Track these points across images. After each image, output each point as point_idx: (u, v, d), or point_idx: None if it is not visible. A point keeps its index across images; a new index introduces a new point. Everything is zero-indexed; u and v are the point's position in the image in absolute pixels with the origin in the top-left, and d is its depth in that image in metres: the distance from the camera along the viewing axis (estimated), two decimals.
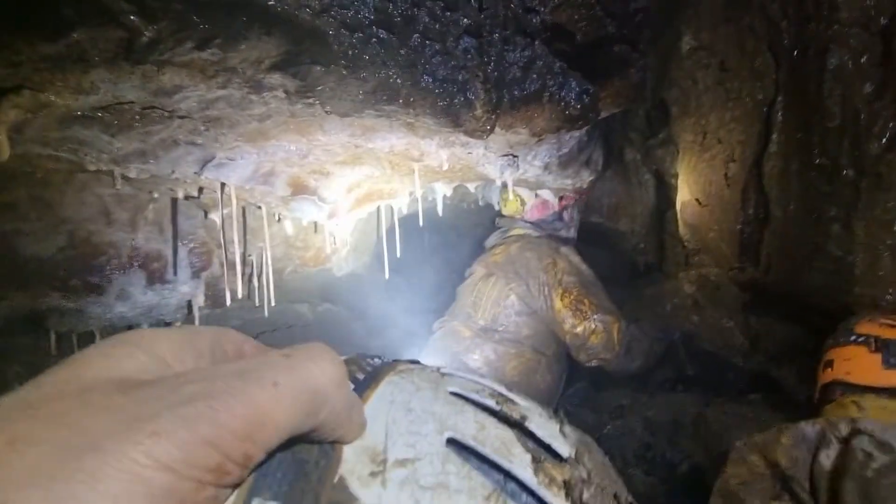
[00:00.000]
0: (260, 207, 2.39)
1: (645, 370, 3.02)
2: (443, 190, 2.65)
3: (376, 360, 0.47)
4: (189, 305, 2.75)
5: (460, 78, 1.26)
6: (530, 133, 1.51)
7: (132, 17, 1.09)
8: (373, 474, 0.32)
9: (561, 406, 3.14)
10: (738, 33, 2.83)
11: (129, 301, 2.50)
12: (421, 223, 2.69)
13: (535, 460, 0.39)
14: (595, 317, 2.74)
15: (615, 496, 0.43)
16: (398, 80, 1.25)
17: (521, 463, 0.38)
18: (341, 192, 2.37)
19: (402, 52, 1.24)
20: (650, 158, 4.13)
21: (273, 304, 2.67)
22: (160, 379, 0.27)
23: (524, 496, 0.36)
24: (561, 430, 0.45)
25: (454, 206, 3.97)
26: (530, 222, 3.12)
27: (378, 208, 2.75)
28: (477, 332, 2.83)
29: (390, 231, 3.42)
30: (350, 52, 1.22)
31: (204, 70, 1.20)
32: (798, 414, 2.61)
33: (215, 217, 2.43)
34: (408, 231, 3.53)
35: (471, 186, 2.77)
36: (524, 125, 1.46)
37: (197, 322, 2.82)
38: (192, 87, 1.25)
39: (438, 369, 0.47)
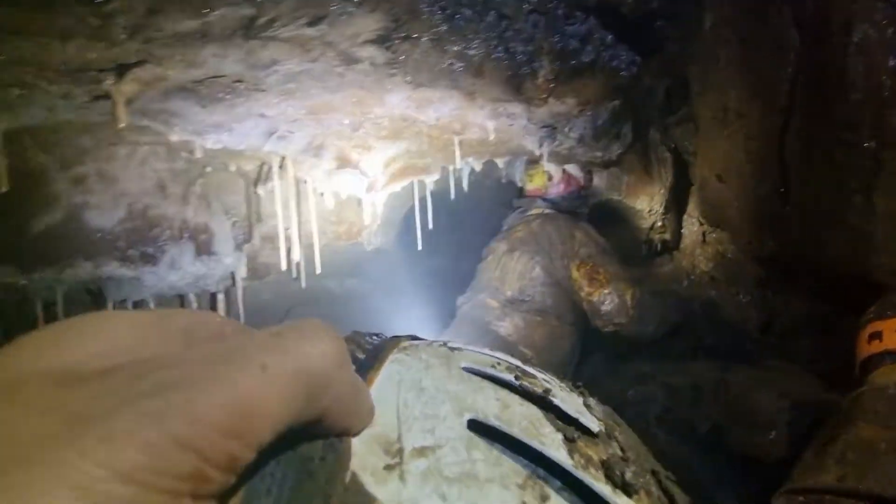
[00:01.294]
0: (305, 182, 2.52)
1: (660, 336, 3.17)
2: (474, 165, 2.77)
3: (375, 337, 0.42)
4: (232, 277, 2.91)
5: (529, 49, 1.38)
6: (577, 102, 1.62)
7: None
8: (388, 467, 0.28)
9: (582, 374, 3.28)
10: (761, 7, 2.88)
11: (180, 271, 2.65)
12: (452, 196, 2.82)
13: (568, 439, 0.36)
14: (609, 284, 2.90)
15: (653, 472, 0.40)
16: (474, 52, 1.36)
17: (553, 443, 0.34)
18: (380, 166, 2.49)
19: (482, 27, 1.35)
20: (669, 136, 4.19)
21: (317, 272, 2.81)
22: (115, 367, 0.21)
23: (559, 481, 0.33)
24: (585, 403, 0.42)
25: (479, 182, 4.07)
26: (550, 200, 3.25)
27: (412, 184, 2.87)
28: (504, 304, 2.98)
29: (411, 211, 3.54)
30: (439, 28, 1.33)
31: (304, 44, 1.31)
32: (816, 380, 2.73)
33: (260, 191, 2.57)
34: (433, 210, 3.64)
35: (500, 162, 2.88)
36: (574, 95, 1.57)
37: (240, 293, 2.98)
38: (286, 61, 1.37)
39: (445, 343, 0.44)
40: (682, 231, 4.36)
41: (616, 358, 3.32)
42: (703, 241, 4.09)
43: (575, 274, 2.88)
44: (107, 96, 1.35)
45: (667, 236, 4.62)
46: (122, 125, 1.36)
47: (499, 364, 0.41)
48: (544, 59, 1.39)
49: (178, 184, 2.44)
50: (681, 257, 4.27)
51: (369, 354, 0.38)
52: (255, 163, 2.38)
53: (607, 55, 1.52)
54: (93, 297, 2.64)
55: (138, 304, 2.74)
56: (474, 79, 1.43)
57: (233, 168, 2.33)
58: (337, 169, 2.31)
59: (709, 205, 3.85)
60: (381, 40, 1.38)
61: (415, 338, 0.44)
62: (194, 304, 2.94)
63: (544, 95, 1.45)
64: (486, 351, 0.44)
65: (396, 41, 1.38)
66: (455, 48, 1.37)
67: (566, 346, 3.04)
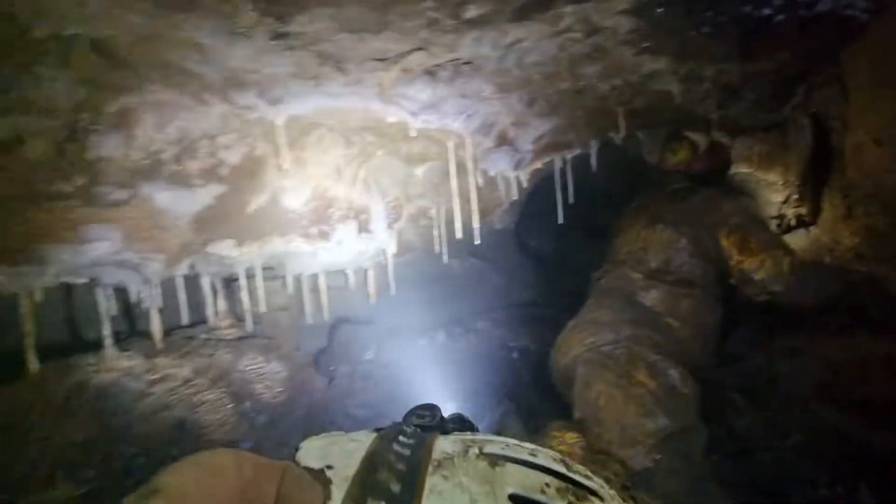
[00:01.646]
0: (466, 161, 2.69)
1: (818, 305, 3.01)
2: (616, 139, 2.80)
3: (403, 441, 0.39)
4: (384, 253, 3.18)
5: (778, 3, 1.40)
6: (789, 57, 1.60)
7: None
8: None
9: (727, 348, 3.21)
10: None
11: (344, 247, 2.95)
12: (594, 170, 2.87)
13: None
14: (762, 252, 2.82)
15: None
16: (723, 16, 1.41)
17: None
18: (529, 143, 2.60)
19: None
20: (809, 101, 3.91)
21: (476, 242, 2.97)
22: None
23: None
24: None
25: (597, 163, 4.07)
26: (692, 173, 3.20)
27: (553, 161, 2.95)
28: (648, 275, 2.99)
29: (530, 194, 3.60)
30: None
31: (554, 22, 1.43)
32: None
33: (418, 172, 2.77)
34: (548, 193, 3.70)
35: (641, 135, 2.89)
36: (790, 50, 1.55)
37: (390, 270, 3.23)
38: (525, 40, 1.50)
39: (481, 449, 0.39)
40: (822, 204, 4.07)
41: (762, 332, 3.21)
42: (848, 214, 3.78)
43: (724, 242, 2.84)
44: (378, 84, 1.55)
45: (803, 210, 4.32)
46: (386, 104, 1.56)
47: (548, 487, 0.37)
48: (785, 14, 1.40)
49: (350, 167, 2.71)
50: (819, 232, 3.98)
51: (406, 482, 0.34)
52: (421, 145, 2.57)
53: (844, 2, 1.50)
54: (272, 271, 3.02)
55: (312, 277, 3.12)
56: (705, 40, 1.47)
57: (403, 150, 2.54)
58: (494, 147, 2.44)
59: (861, 173, 3.56)
60: (635, 12, 1.45)
61: (444, 428, 0.42)
62: (352, 279, 3.25)
63: (769, 51, 1.45)
64: (529, 456, 0.39)
65: (649, 10, 1.44)
66: (707, 12, 1.42)
67: (711, 320, 3.00)
